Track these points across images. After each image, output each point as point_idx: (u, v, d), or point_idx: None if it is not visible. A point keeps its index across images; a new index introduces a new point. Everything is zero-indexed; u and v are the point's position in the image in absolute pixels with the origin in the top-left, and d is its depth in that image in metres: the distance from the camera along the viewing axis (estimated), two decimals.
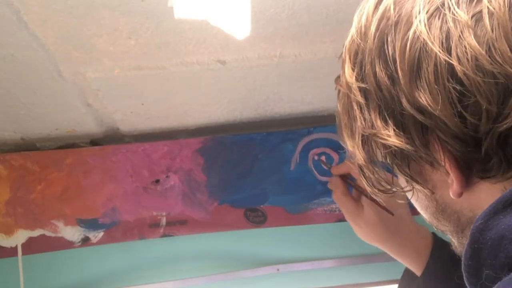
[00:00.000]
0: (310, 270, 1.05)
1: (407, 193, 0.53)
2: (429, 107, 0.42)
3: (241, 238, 1.06)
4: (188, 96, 0.97)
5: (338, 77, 0.53)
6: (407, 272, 0.85)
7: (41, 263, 1.04)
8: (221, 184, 1.07)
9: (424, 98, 0.42)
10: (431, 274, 0.79)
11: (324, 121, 1.10)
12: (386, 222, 0.81)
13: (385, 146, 0.46)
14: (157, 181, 1.07)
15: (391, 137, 0.45)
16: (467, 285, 0.44)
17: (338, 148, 1.08)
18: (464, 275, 0.44)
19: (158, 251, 1.05)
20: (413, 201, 0.55)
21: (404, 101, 0.43)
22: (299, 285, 1.05)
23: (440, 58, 0.41)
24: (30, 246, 1.04)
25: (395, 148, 0.45)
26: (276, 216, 1.07)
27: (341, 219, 1.06)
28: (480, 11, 0.41)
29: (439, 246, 0.82)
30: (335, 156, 1.08)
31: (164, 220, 1.06)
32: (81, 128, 1.04)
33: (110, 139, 1.10)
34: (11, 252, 1.04)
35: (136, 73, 0.86)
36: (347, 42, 0.50)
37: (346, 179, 0.89)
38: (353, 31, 0.50)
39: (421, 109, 0.43)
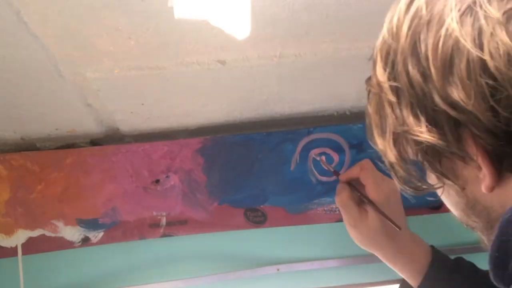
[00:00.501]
0: (310, 270, 1.05)
1: (437, 190, 0.54)
2: (461, 102, 0.43)
3: (241, 238, 1.06)
4: (188, 96, 0.97)
5: (369, 78, 0.53)
6: (404, 285, 0.85)
7: (41, 263, 1.04)
8: (221, 184, 1.07)
9: (456, 94, 0.43)
10: (430, 285, 0.80)
11: (324, 121, 1.10)
12: (386, 229, 0.82)
13: (417, 143, 0.47)
14: (157, 181, 1.07)
15: (424, 133, 0.46)
16: (492, 277, 0.45)
17: (338, 148, 1.08)
18: (489, 267, 0.45)
19: (158, 251, 1.05)
20: (443, 198, 0.56)
21: (436, 97, 0.44)
22: (299, 285, 1.05)
23: (472, 54, 0.42)
24: (30, 246, 1.04)
25: (427, 144, 0.46)
26: (276, 216, 1.07)
27: (341, 219, 1.06)
28: (511, 8, 0.42)
29: (439, 257, 0.82)
30: (335, 156, 1.08)
31: (164, 220, 1.06)
32: (81, 128, 1.04)
33: (110, 139, 1.10)
34: (11, 252, 1.04)
35: (136, 73, 0.86)
36: (378, 43, 0.51)
37: (351, 185, 0.88)
38: (384, 32, 0.51)
39: (453, 105, 0.44)
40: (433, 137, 0.46)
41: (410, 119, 0.47)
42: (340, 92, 1.02)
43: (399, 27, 0.48)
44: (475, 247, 1.02)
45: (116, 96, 0.94)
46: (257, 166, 1.08)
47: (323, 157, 1.05)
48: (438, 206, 1.07)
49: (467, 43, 0.42)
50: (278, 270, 1.04)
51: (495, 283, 0.45)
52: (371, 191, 0.83)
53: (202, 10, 0.69)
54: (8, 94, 0.89)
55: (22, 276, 1.03)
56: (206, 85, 0.93)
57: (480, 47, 0.42)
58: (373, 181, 0.83)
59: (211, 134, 1.09)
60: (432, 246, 0.85)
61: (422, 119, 0.46)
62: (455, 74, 0.43)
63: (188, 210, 1.07)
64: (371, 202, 0.83)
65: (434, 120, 0.46)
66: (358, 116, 1.09)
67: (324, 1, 0.72)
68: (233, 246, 1.06)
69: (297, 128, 1.10)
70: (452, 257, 0.85)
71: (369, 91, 0.54)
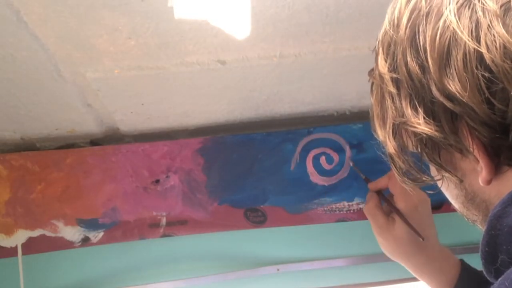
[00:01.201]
0: (310, 270, 1.05)
1: (437, 182, 0.54)
2: (458, 94, 0.43)
3: (241, 238, 1.06)
4: (188, 96, 0.97)
5: (372, 69, 0.54)
6: None
7: (41, 263, 1.04)
8: (221, 184, 1.07)
9: (453, 86, 0.43)
10: None
11: (324, 121, 1.10)
12: (414, 238, 0.81)
13: (415, 134, 0.47)
14: (157, 181, 1.07)
15: (421, 124, 0.46)
16: (484, 271, 0.45)
17: (338, 148, 1.08)
18: (481, 262, 0.45)
19: (158, 251, 1.05)
20: (443, 190, 0.56)
21: (434, 89, 0.45)
22: (299, 285, 1.05)
23: (469, 46, 0.42)
24: (30, 246, 1.04)
25: (425, 135, 0.46)
26: (276, 216, 1.07)
27: (341, 219, 1.07)
28: (509, 1, 0.42)
29: (469, 270, 0.82)
30: (335, 156, 1.08)
31: (164, 220, 1.06)
32: (81, 128, 1.04)
33: (110, 139, 1.10)
34: (11, 252, 1.04)
35: (136, 73, 0.86)
36: (380, 35, 0.52)
37: (380, 193, 0.88)
38: (386, 23, 0.51)
39: (450, 96, 0.44)
40: (430, 129, 0.46)
41: (409, 111, 0.47)
42: (340, 92, 1.02)
43: (399, 18, 0.48)
44: (476, 247, 1.02)
45: (116, 96, 0.94)
46: (257, 166, 1.08)
47: (352, 162, 1.05)
48: (438, 206, 1.07)
49: (464, 35, 0.43)
50: (278, 270, 1.04)
51: (487, 277, 0.45)
52: (399, 200, 0.83)
53: (202, 10, 0.69)
54: (8, 94, 0.89)
55: (22, 276, 1.03)
56: (206, 85, 0.93)
57: (477, 40, 0.42)
58: (401, 191, 0.83)
59: (211, 134, 1.09)
60: (461, 260, 0.84)
61: (420, 110, 0.46)
62: (452, 66, 0.43)
63: (188, 210, 1.07)
64: (397, 211, 0.82)
65: (432, 112, 0.46)
66: (358, 116, 1.09)
67: (324, 1, 0.72)
68: (233, 246, 1.06)
69: (297, 128, 1.10)
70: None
71: (372, 82, 0.54)
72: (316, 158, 1.08)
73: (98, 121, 1.02)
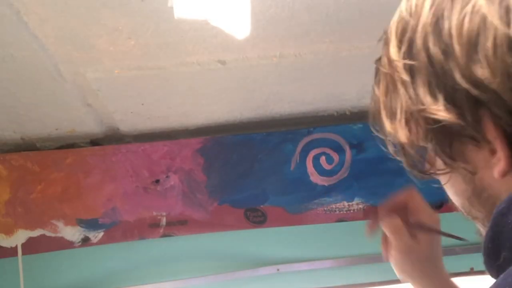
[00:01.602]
0: (310, 270, 1.05)
1: (443, 177, 0.52)
2: (485, 81, 0.42)
3: (241, 238, 1.06)
4: (188, 96, 0.97)
5: (379, 58, 0.52)
6: None
7: (41, 263, 1.04)
8: (221, 184, 1.08)
9: (481, 72, 0.42)
10: None
11: (324, 121, 1.10)
12: (434, 260, 0.77)
13: (430, 123, 0.46)
14: (157, 181, 1.07)
15: (441, 111, 0.45)
16: (485, 268, 0.45)
17: (338, 148, 1.08)
18: (483, 258, 0.44)
19: (158, 251, 1.05)
20: (447, 186, 0.54)
21: (458, 75, 0.44)
22: (299, 285, 1.05)
23: (500, 32, 0.42)
24: (30, 246, 1.04)
25: (444, 122, 0.45)
26: (276, 216, 1.07)
27: (341, 219, 1.07)
28: None
29: None
30: (335, 156, 1.08)
31: (164, 220, 1.06)
32: (81, 128, 1.04)
33: (110, 139, 1.10)
34: (11, 252, 1.04)
35: (136, 73, 0.86)
36: (393, 22, 0.50)
37: (401, 212, 0.80)
38: (401, 10, 0.50)
39: (476, 83, 0.43)
40: (451, 116, 0.45)
41: (427, 98, 0.46)
42: (340, 92, 1.02)
43: (419, 4, 0.47)
44: (475, 247, 1.02)
45: (116, 96, 0.94)
46: (257, 166, 1.08)
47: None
48: (438, 206, 1.07)
49: (495, 20, 0.42)
50: (278, 270, 1.04)
51: (488, 273, 0.45)
52: (431, 216, 0.77)
53: (202, 10, 0.69)
54: (8, 94, 0.89)
55: (22, 276, 1.03)
56: (206, 85, 0.93)
57: (508, 25, 0.42)
58: (428, 207, 0.77)
59: (211, 134, 1.09)
60: None
61: (440, 97, 0.45)
62: (481, 52, 0.43)
63: (188, 210, 1.07)
64: (430, 225, 0.76)
65: (453, 99, 0.44)
66: (358, 116, 1.09)
67: (324, 1, 0.72)
68: (233, 246, 1.06)
69: (297, 128, 1.10)
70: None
71: (377, 72, 0.53)
72: (316, 158, 1.08)
73: (98, 121, 1.02)
